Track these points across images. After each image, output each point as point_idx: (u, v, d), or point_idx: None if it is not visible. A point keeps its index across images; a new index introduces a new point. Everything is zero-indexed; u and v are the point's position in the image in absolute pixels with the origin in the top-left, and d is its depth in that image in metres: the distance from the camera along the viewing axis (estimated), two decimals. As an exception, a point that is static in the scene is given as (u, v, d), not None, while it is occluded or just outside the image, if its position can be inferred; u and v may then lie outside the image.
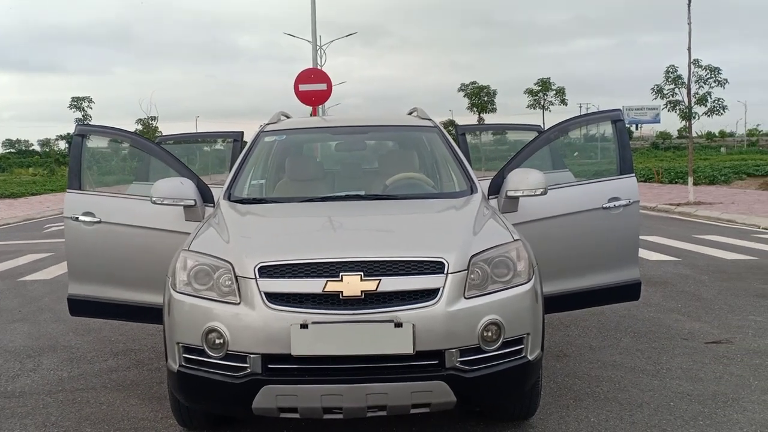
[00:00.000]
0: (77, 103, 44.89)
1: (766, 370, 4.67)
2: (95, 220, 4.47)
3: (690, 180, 18.46)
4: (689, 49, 17.57)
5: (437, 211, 4.15)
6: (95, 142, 5.12)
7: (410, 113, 5.68)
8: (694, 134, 20.06)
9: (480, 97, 63.22)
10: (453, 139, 5.32)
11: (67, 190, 4.58)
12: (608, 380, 4.55)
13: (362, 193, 4.49)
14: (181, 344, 3.31)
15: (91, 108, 45.31)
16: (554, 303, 4.39)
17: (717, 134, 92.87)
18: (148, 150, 4.90)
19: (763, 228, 12.56)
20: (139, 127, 41.80)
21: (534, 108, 60.29)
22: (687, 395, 4.25)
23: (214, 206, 4.35)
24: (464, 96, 63.69)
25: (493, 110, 63.39)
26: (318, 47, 25.95)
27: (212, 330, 3.19)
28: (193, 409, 3.66)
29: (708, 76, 18.00)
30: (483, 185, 4.47)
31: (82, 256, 4.55)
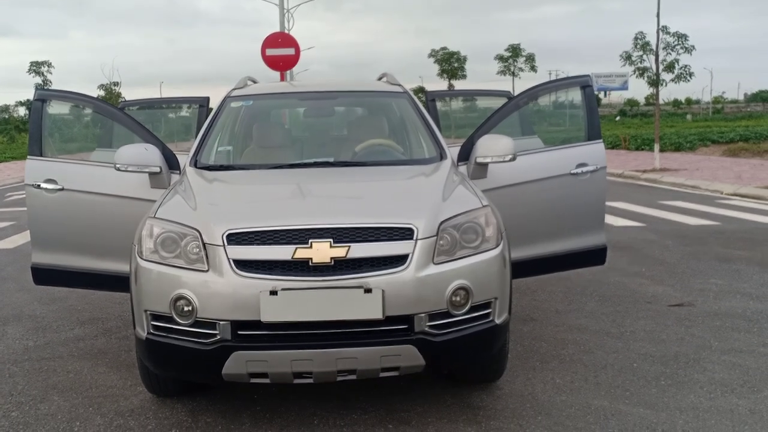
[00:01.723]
0: (36, 67, 43.47)
1: (726, 332, 4.81)
2: (57, 187, 4.38)
3: (656, 147, 18.72)
4: (658, 15, 17.67)
5: (406, 178, 4.14)
6: (56, 108, 4.99)
7: (380, 79, 5.63)
8: (660, 101, 20.29)
9: (450, 63, 62.87)
10: (423, 105, 5.29)
11: (28, 157, 4.47)
12: (573, 343, 4.64)
13: (331, 159, 4.47)
14: (149, 312, 3.28)
15: (51, 73, 43.94)
16: (522, 268, 4.44)
17: (683, 101, 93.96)
18: (111, 116, 4.79)
19: (726, 194, 12.83)
20: (102, 92, 40.73)
21: (504, 74, 60.14)
22: (650, 356, 4.36)
23: (179, 173, 4.29)
24: (435, 62, 63.28)
25: (464, 77, 63.12)
26: (286, 11, 25.48)
27: (180, 297, 3.17)
28: (162, 376, 3.66)
29: (675, 42, 18.14)
30: (453, 152, 4.47)
31: (44, 224, 4.46)
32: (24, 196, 4.62)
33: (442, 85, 61.99)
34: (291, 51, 14.18)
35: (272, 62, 14.12)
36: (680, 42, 18.05)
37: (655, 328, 4.93)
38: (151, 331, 3.29)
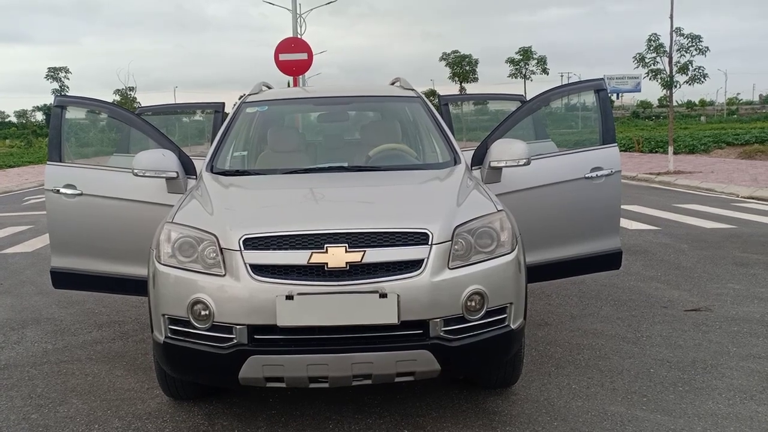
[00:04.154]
0: (54, 73, 44.02)
1: (745, 337, 4.77)
2: (77, 192, 4.44)
3: (670, 149, 18.61)
4: (671, 17, 17.59)
5: (421, 183, 4.15)
6: (73, 114, 5.06)
7: (393, 83, 5.65)
8: (674, 103, 20.17)
9: (462, 67, 62.87)
10: (436, 108, 5.30)
11: (48, 162, 4.53)
12: (589, 348, 4.63)
13: (345, 164, 4.49)
14: (166, 316, 3.31)
15: (68, 78, 44.54)
16: (537, 272, 4.43)
17: (697, 103, 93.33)
18: (129, 121, 4.84)
19: (741, 197, 12.73)
20: (117, 98, 41.16)
21: (516, 77, 60.15)
22: (666, 362, 4.33)
23: (196, 178, 4.33)
24: (446, 65, 63.32)
25: (475, 80, 63.17)
26: (298, 15, 25.59)
27: (198, 302, 3.19)
28: (179, 379, 3.69)
29: (689, 44, 18.04)
30: (466, 156, 4.48)
31: (64, 228, 4.52)
32: (42, 200, 4.68)
33: (453, 88, 62.00)
34: (304, 56, 14.25)
35: (285, 67, 14.20)
36: (694, 43, 17.95)
37: (671, 333, 4.90)
38: (169, 335, 3.32)
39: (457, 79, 63.19)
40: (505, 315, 3.35)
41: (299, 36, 23.64)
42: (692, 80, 18.39)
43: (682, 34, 18.00)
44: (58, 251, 4.57)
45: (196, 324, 3.22)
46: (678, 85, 18.51)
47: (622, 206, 4.96)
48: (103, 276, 4.53)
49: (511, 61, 60.52)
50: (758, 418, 3.54)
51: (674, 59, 18.11)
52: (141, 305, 5.70)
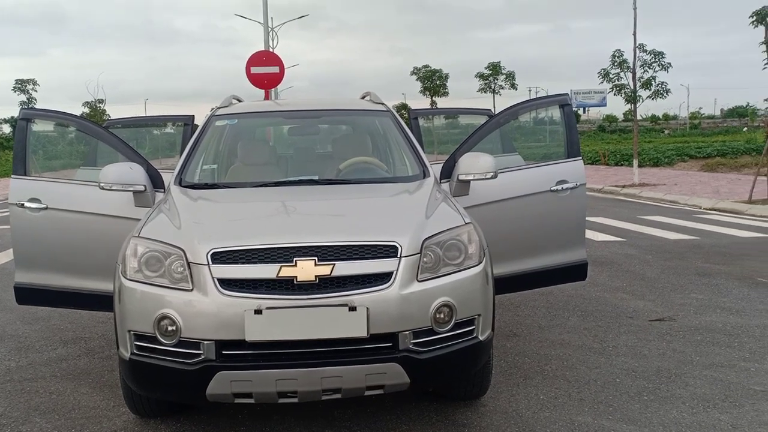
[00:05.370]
0: (21, 85, 43.31)
1: (707, 346, 4.88)
2: (42, 206, 4.37)
3: (635, 162, 18.97)
4: (634, 34, 18.00)
5: (390, 196, 4.18)
6: (41, 126, 4.99)
7: (363, 97, 5.68)
8: (638, 117, 20.58)
9: (432, 81, 63.24)
10: (406, 123, 5.35)
11: (12, 176, 4.46)
12: (556, 358, 4.68)
13: (316, 177, 4.50)
14: (132, 332, 3.27)
15: (36, 91, 43.85)
16: (504, 284, 4.49)
17: (661, 117, 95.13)
18: (96, 134, 4.79)
19: (704, 208, 13.01)
20: (86, 110, 40.61)
21: (485, 92, 60.59)
22: (632, 371, 4.40)
23: (164, 192, 4.30)
24: (417, 79, 63.65)
25: (446, 94, 63.53)
26: (270, 29, 25.58)
27: (164, 317, 3.16)
28: (146, 396, 3.64)
29: (652, 60, 18.44)
30: (435, 169, 4.52)
31: (28, 243, 4.44)
32: (6, 214, 4.60)
33: (424, 102, 62.33)
34: (275, 69, 14.25)
35: (257, 80, 14.17)
36: (657, 59, 18.37)
37: (636, 343, 4.98)
38: (135, 351, 3.28)
39: (427, 93, 63.50)
40: (474, 327, 3.37)
41: (271, 49, 23.61)
42: (655, 95, 18.79)
43: (645, 50, 18.42)
44: (22, 266, 4.49)
45: (162, 340, 3.18)
46: (641, 100, 18.89)
47: (588, 218, 5.05)
48: (69, 291, 4.45)
49: (480, 76, 61.05)
50: (720, 426, 3.61)
51: (638, 75, 18.50)
52: (107, 321, 5.62)
